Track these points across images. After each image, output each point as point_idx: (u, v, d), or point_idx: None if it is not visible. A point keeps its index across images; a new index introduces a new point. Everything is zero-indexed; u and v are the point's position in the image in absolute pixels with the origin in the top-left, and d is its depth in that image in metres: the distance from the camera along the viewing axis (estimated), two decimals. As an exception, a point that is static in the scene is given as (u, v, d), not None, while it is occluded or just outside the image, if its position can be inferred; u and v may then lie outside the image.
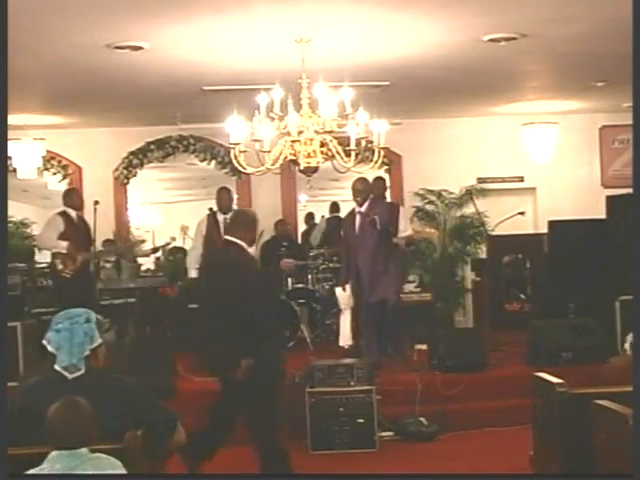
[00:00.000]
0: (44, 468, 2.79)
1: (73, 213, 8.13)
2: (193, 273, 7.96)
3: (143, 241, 10.61)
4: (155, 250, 10.57)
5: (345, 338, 7.29)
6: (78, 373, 3.17)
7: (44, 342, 3.23)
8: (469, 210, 9.91)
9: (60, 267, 7.87)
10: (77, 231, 8.07)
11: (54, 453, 2.81)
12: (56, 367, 3.19)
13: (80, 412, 2.88)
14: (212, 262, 5.81)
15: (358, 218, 7.25)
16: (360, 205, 7.21)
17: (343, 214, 11.13)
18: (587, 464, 3.67)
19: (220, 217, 8.04)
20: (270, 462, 4.93)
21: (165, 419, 3.31)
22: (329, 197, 14.21)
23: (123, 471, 2.87)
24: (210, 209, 8.16)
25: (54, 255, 7.97)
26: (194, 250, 8.15)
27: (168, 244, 10.17)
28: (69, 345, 3.18)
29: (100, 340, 3.24)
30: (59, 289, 7.98)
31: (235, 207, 10.80)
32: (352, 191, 7.25)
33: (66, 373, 3.17)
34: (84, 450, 2.83)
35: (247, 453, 6.08)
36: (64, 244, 7.88)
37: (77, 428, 2.84)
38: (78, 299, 6.61)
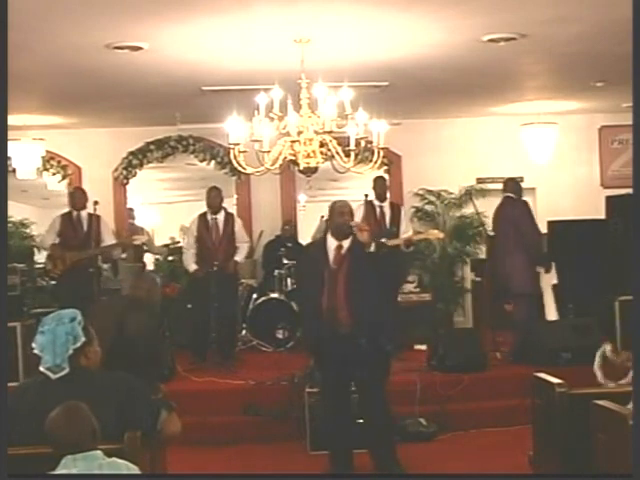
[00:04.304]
0: (61, 473, 2.78)
1: (75, 213, 8.17)
2: (192, 268, 8.06)
3: (142, 228, 10.54)
4: (167, 246, 10.60)
5: None
6: (62, 373, 3.17)
7: (33, 345, 3.24)
8: (469, 210, 9.90)
9: (49, 268, 7.97)
10: (73, 231, 8.09)
11: (68, 457, 2.79)
12: (41, 368, 3.20)
13: (80, 415, 2.87)
14: None
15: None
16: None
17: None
18: (587, 464, 3.67)
19: (210, 217, 8.08)
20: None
21: (152, 410, 3.29)
22: (328, 197, 14.20)
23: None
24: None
25: (47, 256, 8.10)
26: (188, 250, 8.18)
27: (177, 243, 10.17)
28: (52, 346, 3.18)
29: (84, 339, 3.22)
30: (52, 289, 8.09)
31: (233, 206, 10.89)
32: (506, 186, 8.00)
33: (50, 373, 3.18)
34: (99, 453, 2.82)
35: (247, 453, 6.10)
36: (49, 245, 7.97)
37: (78, 431, 2.83)
38: (72, 298, 6.61)
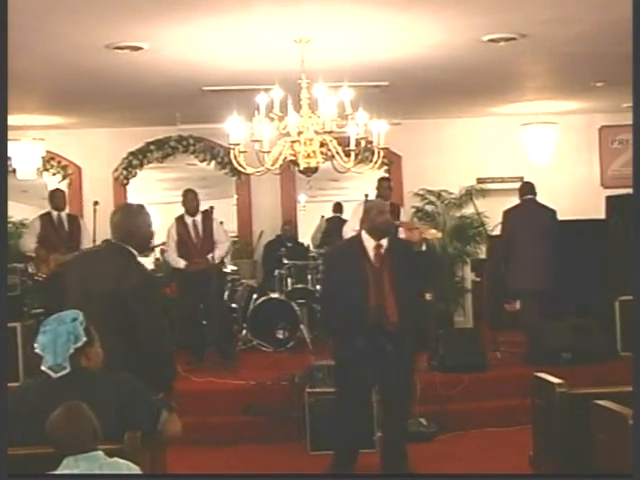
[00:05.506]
0: (61, 473, 2.78)
1: (55, 214, 8.12)
2: (181, 264, 8.00)
3: None
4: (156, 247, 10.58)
5: None
6: (63, 372, 3.18)
7: (35, 345, 3.25)
8: (469, 210, 9.91)
9: (32, 271, 7.89)
10: (56, 233, 8.04)
11: (70, 458, 2.80)
12: (42, 367, 3.21)
13: (81, 415, 2.87)
14: None
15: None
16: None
17: (345, 215, 11.20)
18: (587, 464, 3.67)
19: (188, 220, 8.06)
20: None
21: (153, 411, 3.29)
22: (329, 197, 14.21)
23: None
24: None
25: (28, 259, 8.02)
26: (170, 254, 8.13)
27: (164, 243, 10.18)
28: (53, 345, 3.19)
29: (85, 339, 3.22)
30: (35, 292, 7.98)
31: (233, 206, 10.89)
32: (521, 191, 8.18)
33: (51, 372, 3.19)
34: (100, 453, 2.82)
35: (247, 453, 6.11)
36: (32, 248, 7.91)
37: (79, 431, 2.83)
38: (58, 301, 6.55)
